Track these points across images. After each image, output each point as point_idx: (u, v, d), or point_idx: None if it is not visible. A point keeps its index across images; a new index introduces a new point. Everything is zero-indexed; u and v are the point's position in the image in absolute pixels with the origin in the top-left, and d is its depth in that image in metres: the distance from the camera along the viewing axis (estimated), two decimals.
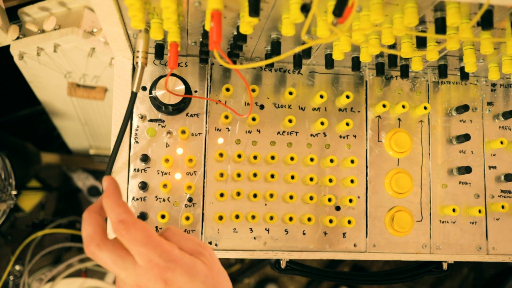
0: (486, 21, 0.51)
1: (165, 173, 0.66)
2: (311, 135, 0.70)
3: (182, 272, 0.46)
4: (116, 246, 0.46)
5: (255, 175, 0.66)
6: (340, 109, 0.71)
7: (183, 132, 0.65)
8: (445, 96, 0.74)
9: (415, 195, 0.71)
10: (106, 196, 0.48)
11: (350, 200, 0.68)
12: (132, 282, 0.46)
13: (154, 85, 0.64)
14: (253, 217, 0.66)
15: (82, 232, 0.48)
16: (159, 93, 0.63)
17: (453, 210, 0.69)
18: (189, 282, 0.46)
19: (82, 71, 0.86)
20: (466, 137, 0.71)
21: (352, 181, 0.68)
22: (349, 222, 0.67)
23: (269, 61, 0.51)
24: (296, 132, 0.70)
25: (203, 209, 0.66)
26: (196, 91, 0.68)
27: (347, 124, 0.68)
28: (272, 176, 0.66)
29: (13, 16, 0.77)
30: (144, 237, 0.46)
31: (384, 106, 0.70)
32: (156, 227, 0.65)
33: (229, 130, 0.68)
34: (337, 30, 0.50)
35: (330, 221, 0.67)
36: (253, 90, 0.67)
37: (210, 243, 0.66)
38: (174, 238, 0.49)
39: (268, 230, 0.67)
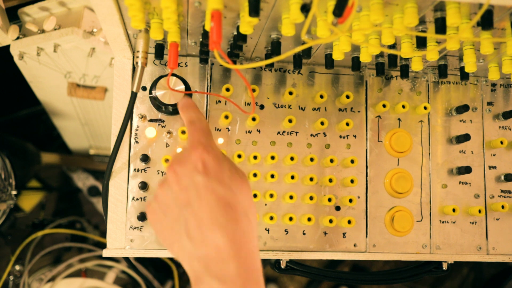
0: (486, 21, 0.51)
1: (165, 173, 0.66)
2: (311, 135, 0.70)
3: (214, 158, 0.50)
4: None
5: (255, 175, 0.66)
6: (340, 109, 0.71)
7: (183, 132, 0.65)
8: (445, 96, 0.74)
9: (415, 195, 0.71)
10: (189, 106, 0.59)
11: (350, 200, 0.68)
12: (172, 167, 0.50)
13: (154, 85, 0.64)
14: None
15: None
16: (159, 93, 0.63)
17: (453, 210, 0.69)
18: (217, 167, 0.49)
19: (82, 71, 0.86)
20: (466, 137, 0.71)
21: (352, 181, 0.68)
22: (349, 222, 0.67)
23: (269, 61, 0.51)
24: (296, 132, 0.70)
25: None
26: (196, 91, 0.68)
27: (347, 124, 0.68)
28: (272, 176, 0.66)
29: (13, 16, 0.77)
30: (204, 128, 0.55)
31: (384, 106, 0.70)
32: None
33: (229, 130, 0.68)
34: (337, 30, 0.50)
35: (330, 221, 0.67)
36: (253, 90, 0.67)
37: None
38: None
39: (268, 230, 0.67)
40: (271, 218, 0.66)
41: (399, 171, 0.71)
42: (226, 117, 0.66)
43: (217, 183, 0.48)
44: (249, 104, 0.69)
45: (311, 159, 0.67)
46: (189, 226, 0.47)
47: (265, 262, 1.30)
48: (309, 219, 0.67)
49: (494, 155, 0.74)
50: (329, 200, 0.68)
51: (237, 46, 0.60)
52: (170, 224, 0.49)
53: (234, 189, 0.49)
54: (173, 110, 0.65)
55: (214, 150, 0.51)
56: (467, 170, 0.71)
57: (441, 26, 0.52)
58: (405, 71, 0.68)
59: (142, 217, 0.64)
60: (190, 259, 0.47)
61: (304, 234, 0.68)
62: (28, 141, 1.21)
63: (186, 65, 0.68)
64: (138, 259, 1.11)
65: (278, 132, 0.69)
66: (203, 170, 0.48)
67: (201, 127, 0.54)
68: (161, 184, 0.51)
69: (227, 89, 0.66)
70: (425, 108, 0.71)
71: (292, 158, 0.67)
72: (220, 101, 0.68)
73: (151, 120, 0.66)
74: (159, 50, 0.63)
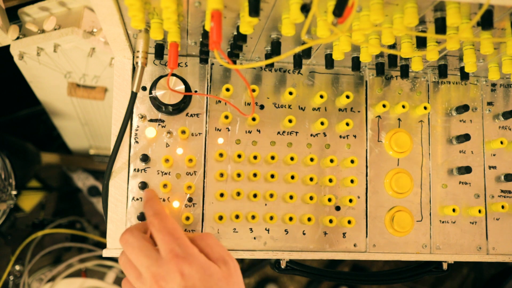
0: (486, 21, 0.51)
1: (165, 173, 0.66)
2: (311, 135, 0.70)
3: (198, 269, 0.49)
4: (146, 237, 0.54)
5: (255, 175, 0.66)
6: (340, 109, 0.71)
7: (183, 132, 0.65)
8: (445, 96, 0.74)
9: (415, 195, 0.71)
10: (146, 200, 0.59)
11: (350, 200, 0.68)
12: (151, 273, 0.49)
13: (154, 85, 0.64)
14: (253, 217, 0.66)
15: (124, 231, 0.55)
16: (159, 93, 0.63)
17: (453, 210, 0.69)
18: (203, 280, 0.48)
19: (82, 71, 0.86)
20: (466, 137, 0.71)
21: (352, 181, 0.68)
22: (349, 222, 0.67)
23: (269, 61, 0.51)
24: (296, 132, 0.70)
25: (203, 209, 0.66)
26: (196, 91, 0.68)
27: (347, 124, 0.68)
28: (272, 176, 0.66)
29: (13, 16, 0.77)
30: (172, 229, 0.52)
31: (384, 106, 0.70)
32: None
33: (229, 130, 0.68)
34: (337, 30, 0.50)
35: (330, 221, 0.67)
36: (253, 90, 0.67)
37: None
38: (201, 243, 0.54)
39: (268, 230, 0.67)
40: (271, 218, 0.66)
41: (399, 171, 0.71)
42: (226, 117, 0.66)
43: None
44: (249, 104, 0.69)
45: (311, 159, 0.67)
46: None
47: (265, 262, 1.30)
48: (309, 219, 0.67)
49: (494, 155, 0.74)
50: (329, 200, 0.68)
51: (237, 46, 0.60)
52: None
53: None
54: (173, 110, 0.65)
55: (195, 260, 0.50)
56: (467, 170, 0.71)
57: (441, 26, 0.52)
58: (405, 71, 0.68)
59: (142, 217, 0.64)
60: None
61: (304, 234, 0.68)
62: (28, 141, 1.21)
63: (186, 65, 0.68)
64: None
65: (278, 132, 0.69)
66: (183, 285, 0.48)
67: (166, 230, 0.53)
68: None
69: (227, 89, 0.66)
70: (425, 108, 0.71)
71: (292, 158, 0.67)
72: (220, 101, 0.68)
73: (151, 120, 0.66)
74: (159, 50, 0.63)
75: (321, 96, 0.68)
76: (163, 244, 0.51)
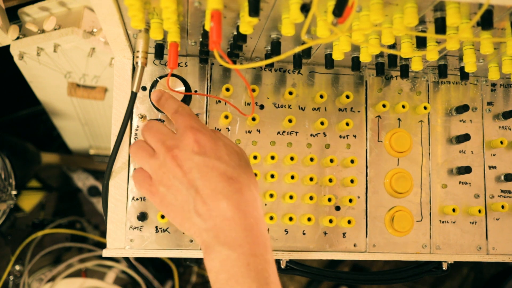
0: (486, 21, 0.51)
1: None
2: (311, 135, 0.70)
3: (210, 139, 0.52)
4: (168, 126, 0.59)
5: (255, 175, 0.66)
6: (340, 109, 0.71)
7: None
8: (445, 96, 0.74)
9: (415, 195, 0.71)
10: (166, 98, 0.61)
11: (350, 200, 0.68)
12: (165, 146, 0.53)
13: (154, 85, 0.64)
14: None
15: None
16: None
17: (453, 210, 0.69)
18: (214, 150, 0.52)
19: (82, 71, 0.86)
20: (466, 137, 0.71)
21: (352, 181, 0.68)
22: (349, 222, 0.67)
23: (269, 61, 0.51)
24: (296, 132, 0.70)
25: None
26: (196, 91, 0.68)
27: (347, 124, 0.68)
28: (272, 176, 0.66)
29: (13, 16, 0.77)
30: (192, 113, 0.57)
31: (384, 106, 0.70)
32: (156, 227, 0.65)
33: (229, 130, 0.68)
34: (337, 30, 0.50)
35: (330, 221, 0.67)
36: (253, 90, 0.67)
37: None
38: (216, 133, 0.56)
39: (268, 230, 0.67)
40: (271, 218, 0.66)
41: (399, 171, 0.71)
42: (226, 117, 0.66)
43: (216, 160, 0.51)
44: (249, 104, 0.69)
45: (311, 159, 0.67)
46: (197, 204, 0.50)
47: None
48: (309, 219, 0.67)
49: (494, 155, 0.74)
50: (329, 200, 0.68)
51: (237, 46, 0.60)
52: (180, 206, 0.51)
53: (233, 164, 0.52)
54: None
55: (206, 130, 0.53)
56: (467, 170, 0.70)
57: (441, 26, 0.52)
58: (405, 71, 0.68)
59: (142, 217, 0.64)
60: (200, 232, 0.50)
61: (304, 234, 0.68)
62: (28, 141, 1.21)
63: (186, 65, 0.68)
64: (138, 259, 1.11)
65: (278, 132, 0.69)
66: (200, 151, 0.51)
67: (186, 112, 0.57)
68: (159, 167, 0.53)
69: (227, 89, 0.66)
70: (425, 108, 0.71)
71: (292, 158, 0.67)
72: (220, 101, 0.68)
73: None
74: (159, 50, 0.63)
75: (321, 96, 0.68)
76: (182, 122, 0.55)
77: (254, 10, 0.47)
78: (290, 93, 0.68)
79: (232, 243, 0.48)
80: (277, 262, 0.68)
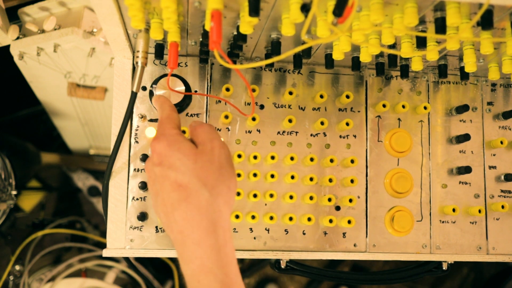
0: (486, 21, 0.51)
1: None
2: (311, 135, 0.70)
3: (164, 145, 0.52)
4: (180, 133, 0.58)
5: (255, 175, 0.66)
6: (340, 109, 0.71)
7: (183, 132, 0.65)
8: (445, 96, 0.74)
9: (415, 195, 0.71)
10: (158, 106, 0.60)
11: (350, 200, 0.68)
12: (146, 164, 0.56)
13: (154, 85, 0.64)
14: (253, 217, 0.66)
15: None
16: (159, 93, 0.63)
17: (453, 210, 0.69)
18: (168, 153, 0.52)
19: (82, 71, 0.86)
20: (466, 137, 0.71)
21: (352, 181, 0.68)
22: (349, 222, 0.67)
23: (269, 61, 0.51)
24: (296, 132, 0.70)
25: None
26: (196, 91, 0.68)
27: (347, 124, 0.68)
28: (272, 176, 0.66)
29: (13, 16, 0.77)
30: (161, 119, 0.57)
31: (384, 106, 0.70)
32: (156, 227, 0.65)
33: (229, 130, 0.68)
34: (337, 30, 0.50)
35: (330, 221, 0.67)
36: (253, 90, 0.67)
37: None
38: (193, 131, 0.56)
39: (268, 230, 0.67)
40: (271, 218, 0.66)
41: (399, 171, 0.71)
42: (226, 117, 0.66)
43: (169, 169, 0.51)
44: (249, 104, 0.69)
45: (311, 159, 0.67)
46: (163, 216, 0.52)
47: (265, 262, 1.30)
48: (309, 219, 0.67)
49: (494, 155, 0.74)
50: (329, 200, 0.68)
51: (237, 46, 0.60)
52: (160, 207, 0.53)
53: (184, 169, 0.51)
54: None
55: (164, 136, 0.53)
56: (467, 170, 0.71)
57: (441, 26, 0.52)
58: (405, 71, 0.68)
59: (142, 217, 0.64)
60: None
61: (304, 234, 0.68)
62: (28, 141, 1.21)
63: (186, 65, 0.68)
64: (138, 259, 1.11)
65: (278, 132, 0.69)
66: (157, 161, 0.52)
67: (159, 118, 0.58)
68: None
69: (227, 89, 0.66)
70: (425, 108, 0.71)
71: (292, 158, 0.67)
72: (220, 101, 0.68)
73: (151, 120, 0.66)
74: (159, 50, 0.63)
75: (321, 96, 0.68)
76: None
77: (254, 10, 0.47)
78: (290, 93, 0.68)
79: (188, 259, 0.50)
80: (277, 262, 0.68)
